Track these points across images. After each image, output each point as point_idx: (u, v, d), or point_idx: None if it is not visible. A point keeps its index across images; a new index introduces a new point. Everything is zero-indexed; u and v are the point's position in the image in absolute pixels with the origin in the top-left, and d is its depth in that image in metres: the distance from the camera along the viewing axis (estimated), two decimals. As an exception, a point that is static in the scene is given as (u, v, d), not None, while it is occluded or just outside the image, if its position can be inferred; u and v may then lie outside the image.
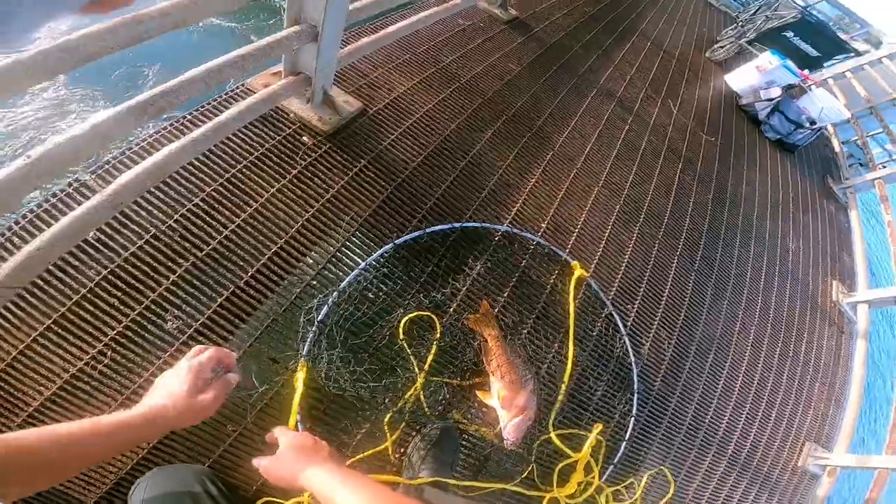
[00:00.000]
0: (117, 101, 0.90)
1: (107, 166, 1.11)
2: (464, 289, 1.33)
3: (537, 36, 2.39)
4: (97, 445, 0.57)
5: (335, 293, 1.14)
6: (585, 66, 2.47)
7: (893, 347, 6.07)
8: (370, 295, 1.19)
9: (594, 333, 1.51)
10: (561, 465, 1.26)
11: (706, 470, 1.64)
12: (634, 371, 1.54)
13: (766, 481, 1.78)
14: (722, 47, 3.99)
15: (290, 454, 0.72)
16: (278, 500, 0.99)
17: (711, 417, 1.71)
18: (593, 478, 1.31)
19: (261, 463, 0.73)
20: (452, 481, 1.06)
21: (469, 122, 1.70)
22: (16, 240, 0.97)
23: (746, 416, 1.81)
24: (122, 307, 1.00)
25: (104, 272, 1.01)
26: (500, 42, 2.17)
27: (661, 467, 1.49)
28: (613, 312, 1.57)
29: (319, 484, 0.65)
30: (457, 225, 1.40)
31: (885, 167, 3.27)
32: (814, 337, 2.26)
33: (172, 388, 0.67)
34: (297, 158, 1.28)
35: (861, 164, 3.76)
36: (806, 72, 3.55)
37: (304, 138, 1.32)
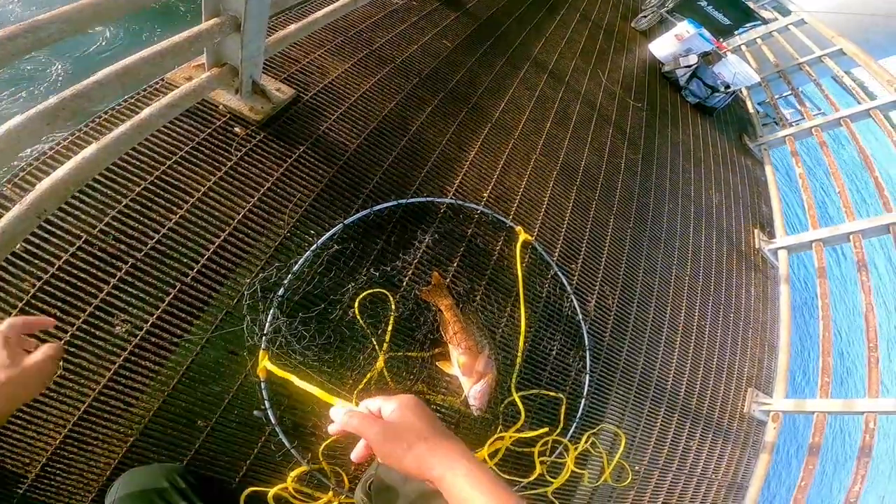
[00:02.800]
0: (29, 104, 0.87)
1: (22, 174, 1.07)
2: (414, 262, 1.40)
3: (471, 12, 2.45)
4: None
5: (288, 277, 1.18)
6: (518, 40, 2.57)
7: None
8: (324, 276, 1.23)
9: (543, 295, 1.64)
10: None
11: (662, 421, 1.82)
12: (584, 328, 1.69)
13: (719, 429, 1.99)
14: (645, 17, 4.23)
15: (418, 435, 0.52)
16: (263, 489, 1.04)
17: (660, 369, 1.90)
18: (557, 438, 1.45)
19: (370, 429, 0.52)
20: None
21: (407, 102, 1.74)
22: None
23: (691, 365, 2.02)
24: (64, 316, 0.98)
25: (39, 283, 0.98)
26: (434, 20, 2.21)
27: (605, 424, 1.63)
28: (559, 273, 1.70)
29: (466, 493, 0.47)
30: (402, 201, 1.46)
31: (794, 125, 3.65)
32: (742, 283, 2.54)
33: None
34: (232, 150, 1.28)
35: (775, 123, 4.19)
36: (720, 40, 3.86)
37: (236, 129, 1.31)
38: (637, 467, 1.69)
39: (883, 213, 2.33)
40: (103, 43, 2.68)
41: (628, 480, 1.64)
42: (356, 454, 0.55)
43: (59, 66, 2.51)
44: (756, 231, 2.92)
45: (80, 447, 0.94)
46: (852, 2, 5.54)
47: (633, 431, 1.72)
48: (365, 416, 0.54)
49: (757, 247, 2.84)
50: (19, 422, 0.91)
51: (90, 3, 0.84)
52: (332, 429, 0.56)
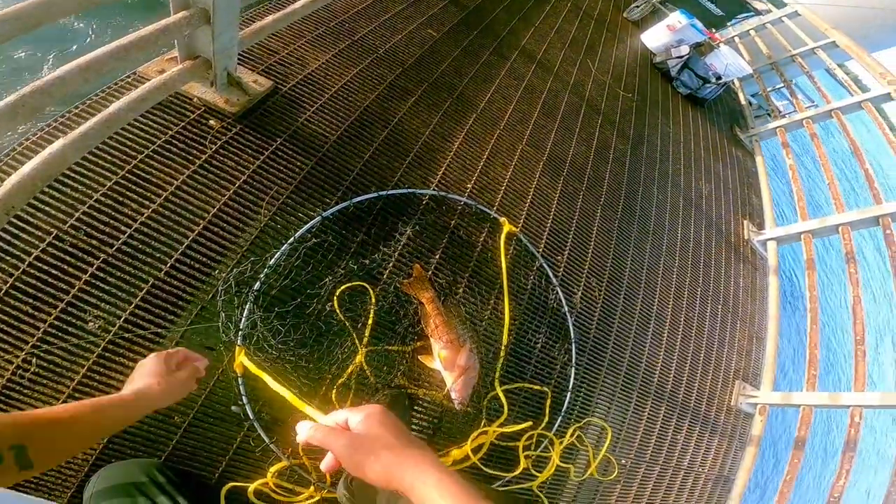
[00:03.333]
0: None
1: (-11, 168, 1.05)
2: (395, 254, 1.39)
3: (458, 1, 2.42)
4: (99, 420, 0.65)
5: (265, 271, 1.17)
6: (506, 30, 2.55)
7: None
8: (302, 269, 1.22)
9: (528, 287, 1.64)
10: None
11: (649, 415, 1.83)
12: (570, 320, 1.69)
13: (706, 422, 2.00)
14: (637, 7, 4.21)
15: (385, 445, 0.51)
16: (243, 484, 1.04)
17: (647, 362, 1.91)
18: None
19: (336, 442, 0.52)
20: None
21: (389, 92, 1.73)
22: None
23: (678, 358, 2.03)
24: (36, 313, 0.97)
25: (10, 280, 0.97)
26: (420, 8, 2.18)
27: (591, 418, 1.64)
28: (544, 264, 1.70)
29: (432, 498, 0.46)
30: (383, 193, 1.45)
31: (787, 116, 3.66)
32: (731, 274, 2.55)
33: (151, 368, 0.77)
34: (206, 143, 1.26)
35: (768, 115, 4.20)
36: (712, 31, 3.85)
37: (211, 122, 1.30)
38: (623, 461, 1.70)
39: (873, 204, 2.34)
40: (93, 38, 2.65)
41: (614, 474, 1.65)
42: (325, 465, 0.54)
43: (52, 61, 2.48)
44: (745, 222, 2.93)
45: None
46: None
47: (620, 425, 1.73)
48: (330, 430, 0.54)
49: (746, 238, 2.85)
50: None
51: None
52: (298, 439, 0.55)
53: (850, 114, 3.06)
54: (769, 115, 3.98)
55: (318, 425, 0.55)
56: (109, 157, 1.14)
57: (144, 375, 0.75)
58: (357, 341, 1.22)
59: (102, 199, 1.09)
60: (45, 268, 1.01)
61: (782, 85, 3.94)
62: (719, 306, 2.37)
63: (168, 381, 0.76)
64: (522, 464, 1.37)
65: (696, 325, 2.19)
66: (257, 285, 1.15)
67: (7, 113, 0.84)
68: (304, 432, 0.54)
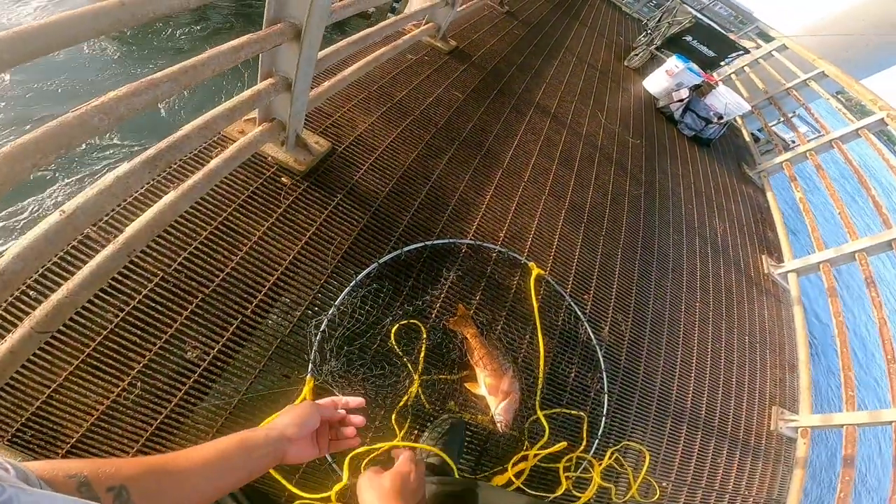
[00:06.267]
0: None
1: (106, 217, 1.29)
2: (441, 296, 1.61)
3: (476, 63, 2.79)
4: (245, 460, 0.64)
5: (332, 309, 1.38)
6: (522, 87, 2.90)
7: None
8: (363, 309, 1.43)
9: (559, 323, 1.83)
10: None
11: (685, 440, 1.94)
12: (599, 353, 1.87)
13: (747, 446, 2.10)
14: (636, 55, 4.65)
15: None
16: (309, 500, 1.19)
17: (678, 390, 2.05)
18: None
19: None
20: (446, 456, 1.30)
21: (427, 151, 2.02)
22: (34, 290, 1.13)
23: (710, 386, 2.16)
24: (143, 343, 1.17)
25: (121, 314, 1.19)
26: (445, 72, 2.53)
27: (627, 442, 1.76)
28: (571, 303, 1.90)
29: None
30: (429, 243, 1.70)
31: (792, 149, 3.89)
32: (754, 307, 2.71)
33: (304, 419, 0.75)
34: (280, 198, 1.52)
35: (773, 148, 4.46)
36: (708, 72, 4.22)
37: (284, 179, 1.56)
38: (664, 483, 1.81)
39: (883, 229, 2.50)
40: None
41: (656, 496, 1.75)
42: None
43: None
44: (763, 257, 3.12)
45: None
46: (828, 24, 5.93)
47: (657, 449, 1.85)
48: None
49: (766, 272, 3.02)
50: (96, 437, 1.07)
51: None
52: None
53: (849, 142, 3.26)
54: (774, 148, 4.22)
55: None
56: (204, 210, 1.39)
57: (295, 423, 0.73)
58: (412, 371, 1.41)
59: (200, 246, 1.33)
60: (153, 304, 1.23)
61: (781, 119, 4.21)
62: (746, 337, 2.51)
63: (308, 441, 0.75)
64: (564, 485, 1.50)
65: (724, 355, 2.34)
66: (325, 324, 1.36)
67: (149, 163, 1.07)
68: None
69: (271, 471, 1.16)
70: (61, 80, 3.56)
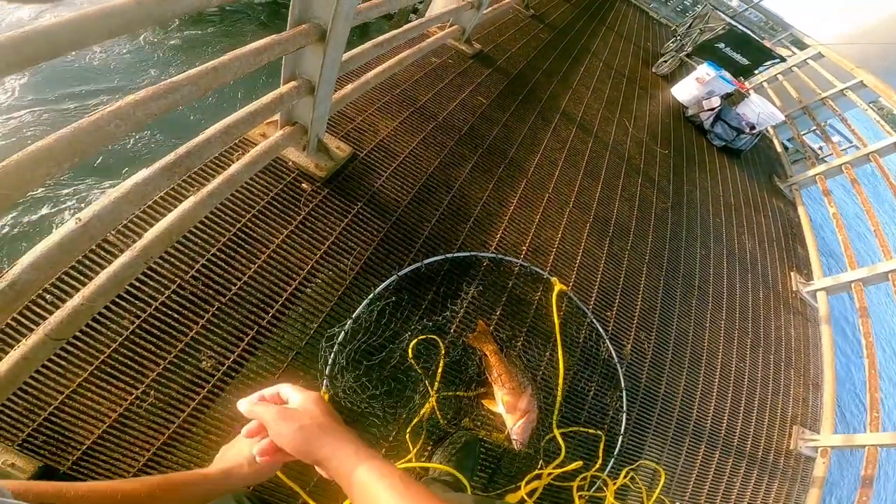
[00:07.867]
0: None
1: (125, 221, 1.28)
2: (461, 311, 1.56)
3: (501, 67, 2.74)
4: (173, 500, 0.60)
5: (349, 322, 1.35)
6: (547, 93, 2.83)
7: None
8: (381, 322, 1.40)
9: (580, 340, 1.77)
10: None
11: (703, 458, 1.89)
12: (620, 371, 1.80)
13: (764, 466, 2.04)
14: (665, 61, 4.53)
15: (312, 418, 0.60)
16: None
17: (699, 408, 1.98)
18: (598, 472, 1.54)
19: (267, 413, 0.60)
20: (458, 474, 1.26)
21: (450, 158, 1.97)
22: (51, 294, 1.12)
23: (731, 405, 2.10)
24: (158, 351, 1.16)
25: (137, 321, 1.17)
26: (469, 76, 2.48)
27: (644, 461, 1.71)
28: (594, 320, 1.84)
29: (349, 468, 0.55)
30: (449, 255, 1.65)
31: (825, 161, 3.74)
32: (781, 325, 2.61)
33: (244, 452, 0.71)
34: (300, 205, 1.49)
35: (806, 159, 4.29)
36: (740, 80, 4.09)
37: (304, 185, 1.54)
38: (678, 503, 1.75)
39: None
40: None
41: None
42: (258, 448, 0.61)
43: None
44: (793, 274, 3.00)
45: (160, 470, 1.08)
46: (862, 33, 5.70)
47: (673, 467, 1.79)
48: (263, 401, 0.64)
49: (794, 289, 2.92)
50: (107, 444, 1.05)
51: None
52: (240, 408, 0.63)
53: (887, 156, 3.13)
54: (804, 159, 4.07)
55: (254, 398, 0.64)
56: (223, 216, 1.37)
57: (238, 456, 0.71)
58: (429, 387, 1.37)
59: (218, 253, 1.31)
60: (169, 312, 1.21)
61: (815, 128, 4.04)
62: (771, 356, 2.43)
63: (259, 465, 0.69)
64: (577, 503, 1.45)
65: (747, 374, 2.26)
66: (341, 336, 1.33)
67: (168, 169, 1.05)
68: (243, 406, 0.63)
69: (283, 477, 1.15)
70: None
